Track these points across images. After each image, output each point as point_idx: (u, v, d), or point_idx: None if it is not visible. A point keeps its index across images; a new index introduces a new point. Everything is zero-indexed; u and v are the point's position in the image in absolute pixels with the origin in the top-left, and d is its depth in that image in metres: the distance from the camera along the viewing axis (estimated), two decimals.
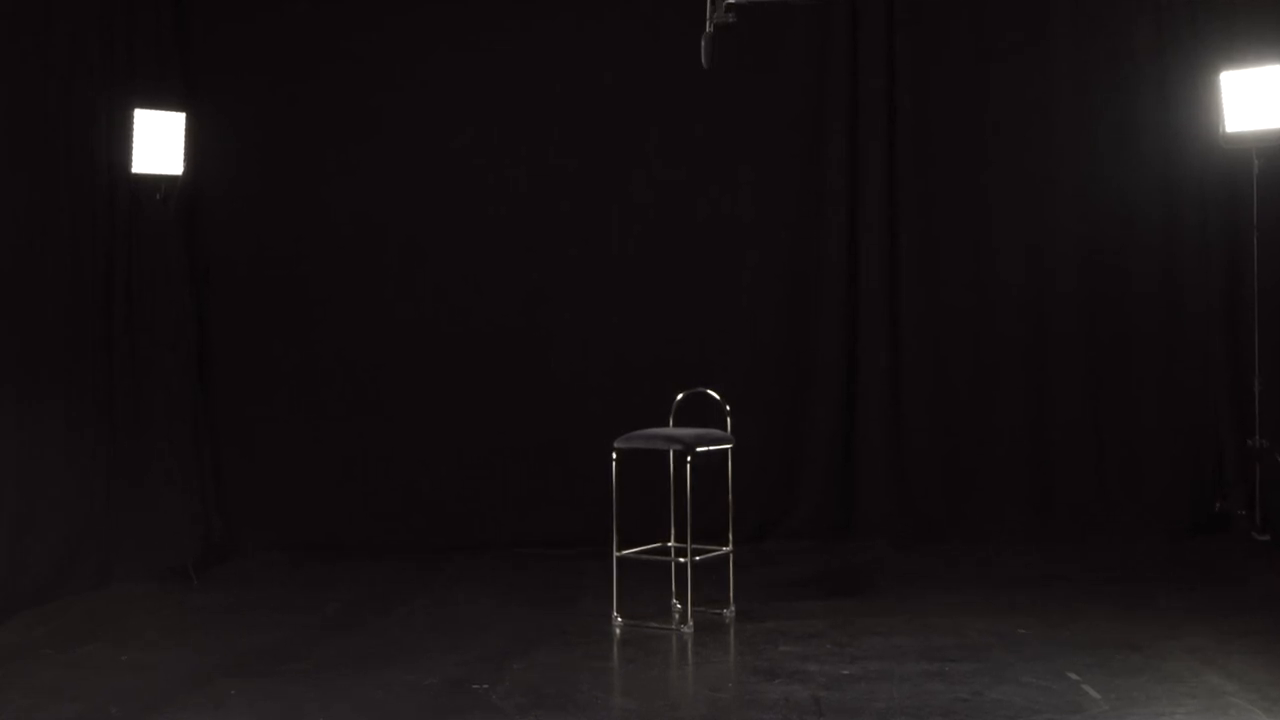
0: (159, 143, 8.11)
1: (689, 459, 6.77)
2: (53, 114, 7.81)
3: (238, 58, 8.98)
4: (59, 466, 7.78)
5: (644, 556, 7.06)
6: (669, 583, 6.93)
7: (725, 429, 7.09)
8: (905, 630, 6.64)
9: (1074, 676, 5.79)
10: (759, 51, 8.94)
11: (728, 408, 7.11)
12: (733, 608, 6.97)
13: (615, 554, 6.88)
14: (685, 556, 6.81)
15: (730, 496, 7.09)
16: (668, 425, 7.17)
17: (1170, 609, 6.97)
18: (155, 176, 8.20)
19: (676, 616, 6.85)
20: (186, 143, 8.24)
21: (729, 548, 7.06)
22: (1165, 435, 8.96)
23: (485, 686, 5.85)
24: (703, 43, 6.90)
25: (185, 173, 8.31)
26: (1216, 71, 8.50)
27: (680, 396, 7.22)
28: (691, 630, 6.71)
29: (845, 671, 5.96)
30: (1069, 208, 9.07)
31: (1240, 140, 8.50)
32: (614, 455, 6.81)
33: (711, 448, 6.91)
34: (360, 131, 9.09)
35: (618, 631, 6.77)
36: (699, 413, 7.21)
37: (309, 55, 9.07)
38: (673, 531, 7.06)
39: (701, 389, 7.18)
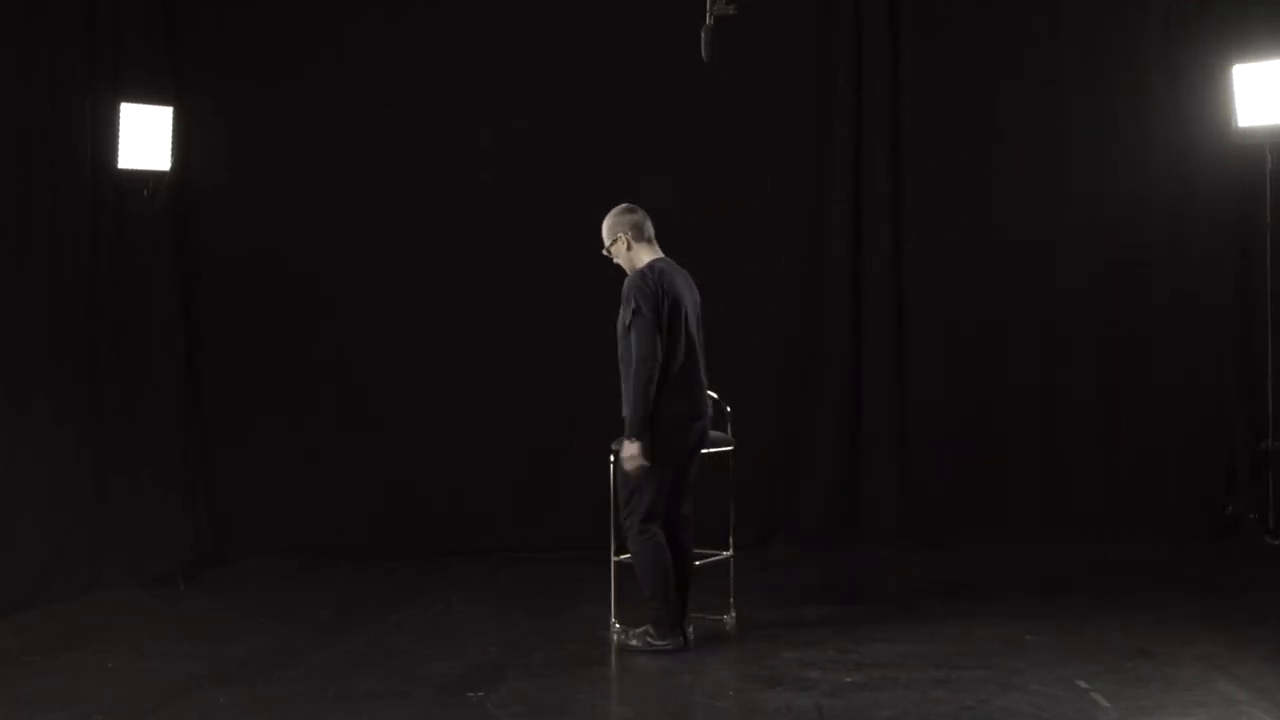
0: (146, 138, 8.03)
1: None
2: (38, 109, 7.76)
3: (227, 52, 8.90)
4: (46, 470, 7.74)
5: None
6: None
7: (727, 431, 6.98)
8: (910, 637, 6.55)
9: (1083, 684, 5.73)
10: (761, 51, 8.84)
11: (729, 409, 7.00)
12: (734, 613, 6.89)
13: (614, 558, 6.78)
14: None
15: (732, 500, 6.97)
16: None
17: (1181, 615, 6.88)
18: (142, 172, 8.12)
19: None
20: (174, 138, 8.16)
21: (730, 552, 6.97)
22: (1176, 438, 8.85)
23: (481, 694, 5.80)
24: (703, 36, 6.81)
25: (173, 169, 8.25)
26: (1229, 65, 8.38)
27: None
28: (691, 636, 6.59)
29: (849, 679, 5.89)
30: (1078, 209, 8.94)
31: (1253, 135, 8.40)
32: (613, 457, 6.70)
33: (713, 450, 6.79)
34: (355, 129, 8.99)
35: (616, 638, 6.65)
36: None
37: (299, 50, 8.98)
38: None
39: None
